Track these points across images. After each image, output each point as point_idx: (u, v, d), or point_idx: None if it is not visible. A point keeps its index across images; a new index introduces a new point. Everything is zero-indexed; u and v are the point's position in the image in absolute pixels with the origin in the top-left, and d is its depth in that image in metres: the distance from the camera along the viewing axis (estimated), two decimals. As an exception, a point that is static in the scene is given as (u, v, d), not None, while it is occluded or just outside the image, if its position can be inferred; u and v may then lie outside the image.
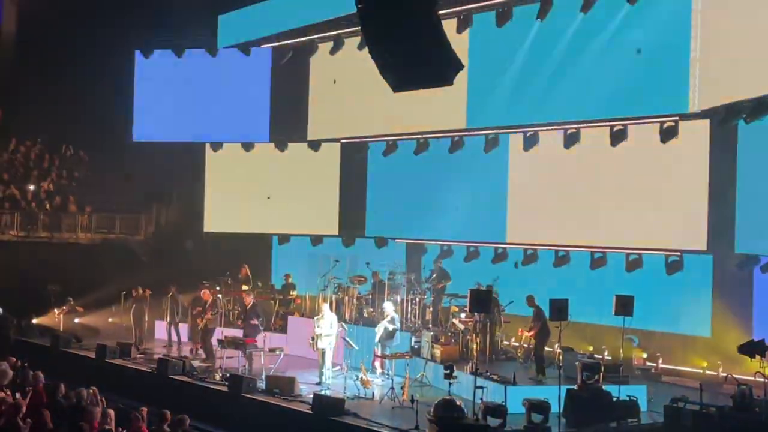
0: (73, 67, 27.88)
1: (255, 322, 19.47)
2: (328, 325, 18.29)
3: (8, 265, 25.98)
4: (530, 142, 22.53)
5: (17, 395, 13.68)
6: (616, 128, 20.94)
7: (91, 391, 13.53)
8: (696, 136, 19.80)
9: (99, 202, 29.40)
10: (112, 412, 12.80)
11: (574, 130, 21.67)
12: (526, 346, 18.82)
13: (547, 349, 18.37)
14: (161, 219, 29.52)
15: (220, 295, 21.79)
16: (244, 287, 23.15)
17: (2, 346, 20.46)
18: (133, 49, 27.93)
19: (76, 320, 24.59)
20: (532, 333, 18.12)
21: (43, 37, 29.09)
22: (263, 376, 17.78)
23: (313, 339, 18.43)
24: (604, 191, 21.45)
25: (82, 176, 30.18)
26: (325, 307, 18.81)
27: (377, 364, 19.08)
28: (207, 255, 26.92)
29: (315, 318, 18.83)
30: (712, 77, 18.75)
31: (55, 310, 24.28)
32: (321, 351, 18.32)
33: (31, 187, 28.81)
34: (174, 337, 22.45)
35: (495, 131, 23.00)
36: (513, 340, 20.50)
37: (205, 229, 27.89)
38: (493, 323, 19.17)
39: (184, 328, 22.38)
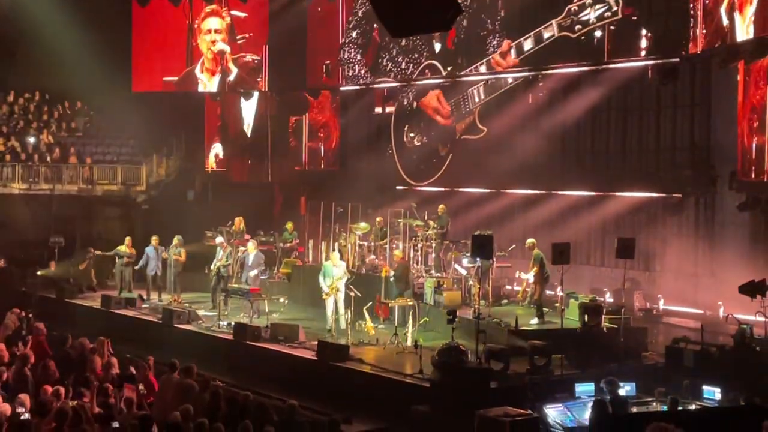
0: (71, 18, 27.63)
1: (258, 271, 19.57)
2: (338, 273, 18.22)
3: (11, 218, 26.02)
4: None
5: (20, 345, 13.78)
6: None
7: (98, 342, 13.60)
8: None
9: (99, 153, 29.37)
10: (115, 360, 12.89)
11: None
12: (528, 290, 18.87)
13: (549, 293, 18.45)
14: (162, 169, 29.48)
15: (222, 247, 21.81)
16: (247, 236, 23.14)
17: (8, 298, 20.55)
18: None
19: (80, 267, 24.53)
20: (530, 276, 18.09)
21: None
22: (268, 324, 17.88)
23: (321, 287, 18.40)
24: (603, 133, 21.45)
25: (82, 127, 30.10)
26: (335, 255, 18.72)
27: (380, 311, 19.15)
28: (209, 205, 26.93)
29: (324, 265, 18.72)
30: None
31: (79, 266, 24.06)
32: (328, 297, 18.24)
33: (31, 140, 28.74)
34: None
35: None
36: (515, 284, 20.57)
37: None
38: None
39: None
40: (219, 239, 21.27)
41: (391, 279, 19.19)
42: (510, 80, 23.10)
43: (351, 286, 18.32)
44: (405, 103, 26.49)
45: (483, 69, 23.20)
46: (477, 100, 24.11)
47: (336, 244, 22.29)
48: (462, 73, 23.82)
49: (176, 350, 15.03)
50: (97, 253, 23.73)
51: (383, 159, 26.81)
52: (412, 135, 26.33)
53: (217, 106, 29.96)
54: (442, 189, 24.79)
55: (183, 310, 19.60)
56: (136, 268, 22.20)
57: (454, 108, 24.84)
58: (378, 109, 27.26)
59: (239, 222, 23.34)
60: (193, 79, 28.35)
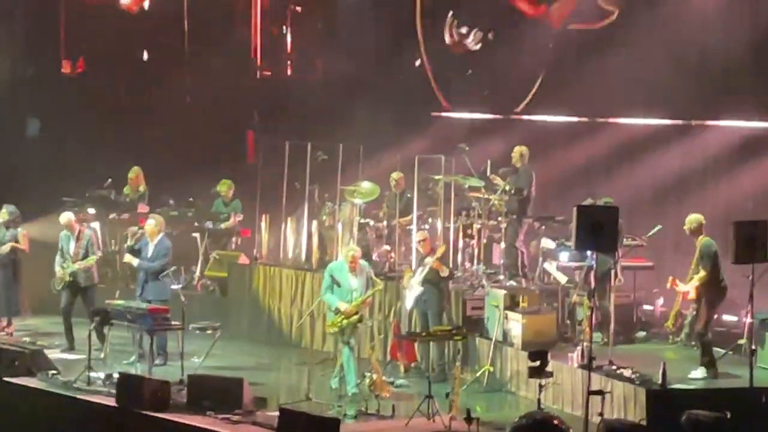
0: None
1: (163, 273, 19.87)
2: (361, 285, 18.36)
3: None
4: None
5: None
6: None
7: None
8: None
9: None
10: None
11: None
12: (687, 314, 19.00)
13: (726, 318, 18.56)
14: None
15: (97, 226, 22.03)
16: (142, 209, 23.26)
17: None
18: None
19: None
20: (693, 288, 18.12)
21: None
22: (183, 377, 18.09)
23: (327, 309, 18.57)
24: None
25: None
26: (353, 249, 18.74)
27: (401, 353, 19.47)
28: (70, 147, 27.02)
29: (330, 268, 18.78)
30: None
31: None
32: (339, 332, 18.37)
33: None
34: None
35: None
36: (660, 303, 20.73)
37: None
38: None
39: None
40: (66, 216, 21.25)
41: (412, 290, 19.36)
42: None
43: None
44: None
45: None
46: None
47: (314, 222, 22.40)
48: None
49: (10, 424, 15.15)
50: None
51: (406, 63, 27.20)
52: (463, 30, 26.51)
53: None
54: (523, 117, 25.28)
55: (21, 349, 19.71)
56: None
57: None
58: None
59: (135, 178, 23.47)
60: None
